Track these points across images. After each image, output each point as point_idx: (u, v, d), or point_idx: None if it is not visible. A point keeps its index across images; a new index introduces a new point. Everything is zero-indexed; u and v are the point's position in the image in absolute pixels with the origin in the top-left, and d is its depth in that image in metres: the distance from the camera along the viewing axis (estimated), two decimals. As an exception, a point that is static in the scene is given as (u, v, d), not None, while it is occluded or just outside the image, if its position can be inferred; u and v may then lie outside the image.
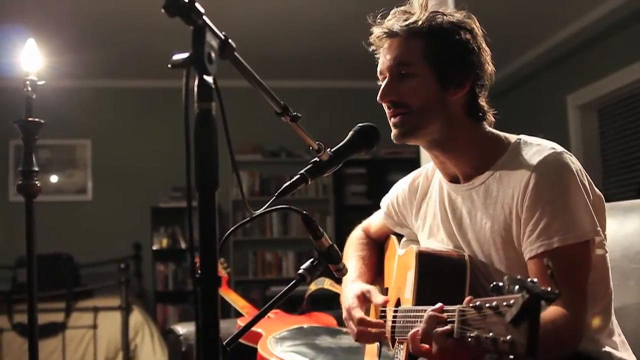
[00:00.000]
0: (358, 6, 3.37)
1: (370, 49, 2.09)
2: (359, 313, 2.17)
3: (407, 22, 1.96)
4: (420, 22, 1.95)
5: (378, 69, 2.05)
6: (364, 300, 2.23)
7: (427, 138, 2.00)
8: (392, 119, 2.00)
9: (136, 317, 6.56)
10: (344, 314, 2.26)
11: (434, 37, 1.94)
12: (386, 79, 1.99)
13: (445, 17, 1.97)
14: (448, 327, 1.46)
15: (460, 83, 1.97)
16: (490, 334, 1.25)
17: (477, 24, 2.02)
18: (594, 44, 6.91)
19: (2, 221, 8.09)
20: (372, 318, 2.22)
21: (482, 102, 2.03)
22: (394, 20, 1.99)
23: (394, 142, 2.03)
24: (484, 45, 2.02)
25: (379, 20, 2.05)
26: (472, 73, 1.97)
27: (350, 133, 1.90)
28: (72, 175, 8.74)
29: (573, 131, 7.34)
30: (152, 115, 8.75)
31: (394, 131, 2.00)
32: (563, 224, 1.79)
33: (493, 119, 2.06)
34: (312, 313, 3.22)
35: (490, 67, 2.03)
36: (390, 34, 1.99)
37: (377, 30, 2.04)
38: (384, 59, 2.02)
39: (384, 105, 2.02)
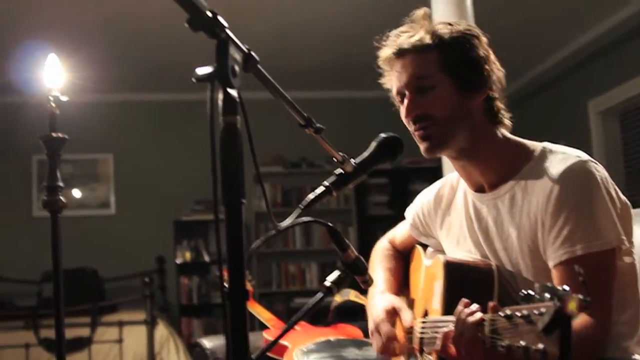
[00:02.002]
0: (376, 17, 3.37)
1: (382, 76, 2.10)
2: (388, 328, 2.16)
3: (416, 38, 1.97)
4: (429, 36, 1.97)
5: (394, 90, 2.05)
6: (394, 314, 2.22)
7: (455, 147, 2.01)
8: (418, 132, 2.01)
9: (161, 330, 6.57)
10: (371, 326, 2.25)
11: (446, 47, 1.96)
12: (407, 96, 2.00)
13: (451, 26, 2.00)
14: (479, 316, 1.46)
15: (479, 88, 1.98)
16: (522, 342, 1.24)
17: (480, 31, 2.04)
18: (614, 49, 6.87)
19: (26, 236, 8.13)
20: (399, 333, 2.21)
21: (500, 104, 2.03)
22: (401, 39, 2.00)
23: (425, 156, 2.04)
24: (490, 50, 2.03)
25: (383, 43, 2.06)
26: (487, 77, 1.99)
27: (374, 143, 1.88)
28: (95, 189, 8.78)
29: (595, 137, 7.29)
30: (173, 129, 8.79)
31: (423, 145, 2.01)
32: (587, 231, 1.79)
33: (510, 123, 2.06)
34: (338, 325, 3.21)
35: (500, 72, 2.04)
36: (401, 53, 2.00)
37: (386, 53, 2.04)
38: (399, 79, 2.02)
39: (409, 123, 2.03)
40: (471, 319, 1.50)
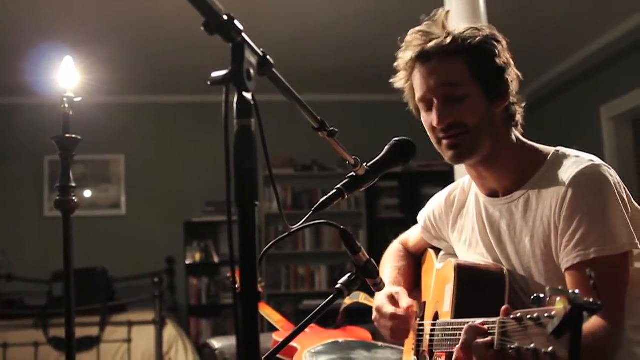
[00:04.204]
0: (390, 20, 3.38)
1: (399, 79, 2.08)
2: (390, 308, 2.18)
3: (443, 42, 1.94)
4: (457, 41, 1.94)
5: (418, 96, 2.02)
6: (393, 300, 2.23)
7: (480, 156, 1.99)
8: (447, 140, 1.97)
9: (170, 331, 6.58)
10: (374, 315, 2.27)
11: (474, 54, 1.94)
12: (436, 103, 1.96)
13: (477, 31, 1.97)
14: (488, 338, 1.45)
15: (504, 95, 1.98)
16: (532, 345, 1.24)
17: (501, 35, 2.02)
18: (627, 55, 6.85)
19: (37, 236, 8.18)
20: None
21: (518, 107, 2.03)
22: (425, 42, 1.97)
23: (451, 163, 2.04)
24: (510, 53, 2.02)
25: (402, 45, 2.03)
26: (510, 82, 1.98)
27: (387, 147, 1.88)
28: (106, 190, 8.80)
29: (607, 142, 7.28)
30: (184, 131, 8.82)
31: (450, 153, 1.98)
32: (600, 235, 1.79)
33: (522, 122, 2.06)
34: (347, 327, 3.21)
35: (519, 74, 2.03)
36: (426, 57, 1.97)
37: (407, 55, 2.01)
38: (425, 84, 1.98)
39: (434, 130, 1.99)
40: (477, 330, 1.51)
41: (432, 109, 1.98)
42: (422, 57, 1.97)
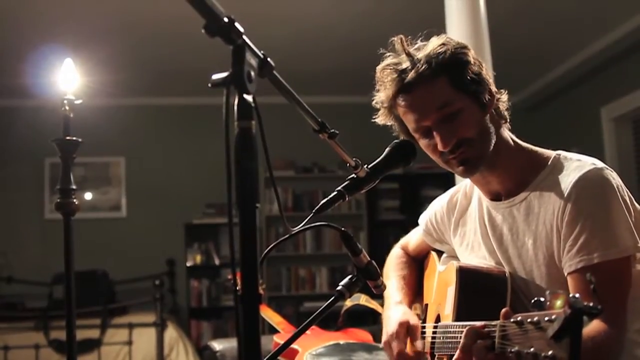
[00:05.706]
0: (390, 22, 3.38)
1: (381, 117, 2.08)
2: (400, 346, 2.15)
3: (420, 70, 1.90)
4: (434, 61, 1.90)
5: (412, 126, 1.99)
6: (407, 332, 2.19)
7: (487, 162, 1.98)
8: (453, 158, 1.96)
9: (171, 333, 6.58)
10: (385, 337, 2.23)
11: (450, 69, 1.91)
12: (435, 129, 1.94)
13: (443, 45, 1.94)
14: (489, 341, 1.45)
15: (491, 96, 1.97)
16: (532, 349, 1.24)
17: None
18: (628, 56, 6.85)
19: (38, 238, 8.18)
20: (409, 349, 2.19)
21: (501, 102, 2.03)
22: (394, 77, 1.95)
23: (462, 177, 2.06)
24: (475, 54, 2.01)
25: (378, 86, 2.04)
26: (489, 82, 1.98)
27: (387, 149, 1.88)
28: (106, 192, 8.79)
29: (608, 144, 7.28)
30: (186, 133, 8.81)
31: (460, 168, 1.97)
32: (603, 239, 1.78)
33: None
34: (348, 329, 3.21)
35: (490, 71, 2.04)
36: (408, 88, 1.94)
37: (387, 92, 1.99)
38: (416, 114, 1.96)
39: (440, 154, 1.98)
40: (478, 332, 1.50)
41: (430, 134, 1.96)
42: (404, 90, 1.95)
